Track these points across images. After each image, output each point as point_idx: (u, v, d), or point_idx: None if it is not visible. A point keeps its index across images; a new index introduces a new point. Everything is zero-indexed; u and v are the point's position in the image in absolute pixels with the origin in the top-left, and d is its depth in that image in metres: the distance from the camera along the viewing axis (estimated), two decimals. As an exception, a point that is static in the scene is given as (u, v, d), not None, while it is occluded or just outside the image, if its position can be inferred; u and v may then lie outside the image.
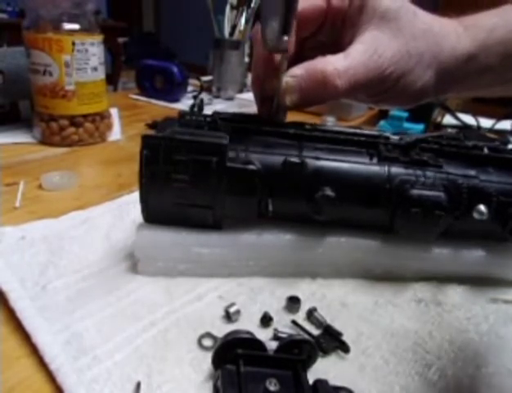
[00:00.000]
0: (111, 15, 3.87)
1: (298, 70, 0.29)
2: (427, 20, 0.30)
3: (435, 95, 0.32)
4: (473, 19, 0.30)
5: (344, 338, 0.28)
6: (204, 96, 0.88)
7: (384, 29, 0.29)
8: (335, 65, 0.28)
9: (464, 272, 0.35)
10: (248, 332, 0.24)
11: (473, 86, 0.32)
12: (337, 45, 0.31)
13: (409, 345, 0.29)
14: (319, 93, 0.29)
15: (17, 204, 0.42)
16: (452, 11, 0.31)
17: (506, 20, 0.29)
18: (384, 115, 0.76)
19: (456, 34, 0.30)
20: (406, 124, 0.71)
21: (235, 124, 0.33)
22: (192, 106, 0.34)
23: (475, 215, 0.32)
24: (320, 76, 0.28)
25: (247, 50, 0.97)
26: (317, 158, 0.32)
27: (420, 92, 0.30)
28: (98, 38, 0.57)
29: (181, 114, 0.33)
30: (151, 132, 0.30)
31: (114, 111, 0.70)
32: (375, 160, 0.33)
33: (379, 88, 0.30)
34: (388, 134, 0.35)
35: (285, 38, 0.28)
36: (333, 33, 0.33)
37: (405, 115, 0.71)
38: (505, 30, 0.29)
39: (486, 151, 0.35)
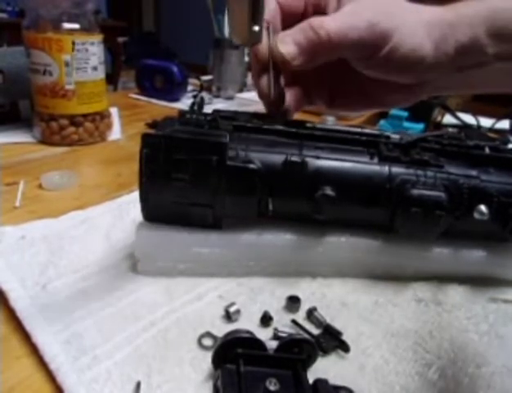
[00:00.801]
0: (111, 14, 3.87)
1: (288, 30, 0.29)
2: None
3: (431, 63, 0.30)
4: (455, 3, 0.30)
5: (344, 338, 0.28)
6: (204, 95, 0.88)
7: (365, 1, 0.29)
8: (322, 19, 0.29)
9: (464, 272, 0.35)
10: (248, 332, 0.24)
11: (463, 63, 0.31)
12: None
13: (409, 344, 0.29)
14: (313, 41, 0.29)
15: (17, 203, 0.42)
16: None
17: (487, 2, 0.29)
18: (384, 114, 0.76)
19: (437, 7, 0.30)
20: (406, 124, 0.71)
21: (235, 122, 0.33)
22: (192, 105, 0.34)
23: (476, 215, 0.32)
24: (307, 26, 0.28)
25: (247, 49, 0.97)
26: (318, 157, 0.32)
27: (414, 52, 0.29)
28: (98, 38, 0.57)
29: (182, 113, 0.33)
30: (151, 131, 0.30)
31: (114, 111, 0.70)
32: (375, 160, 0.33)
33: (371, 45, 0.29)
34: (388, 133, 0.35)
35: (256, 28, 0.27)
36: None
37: (405, 114, 0.71)
38: (486, 10, 0.29)
39: (487, 150, 0.35)
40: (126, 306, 0.29)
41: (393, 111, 0.72)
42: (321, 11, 0.32)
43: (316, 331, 0.29)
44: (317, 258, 0.33)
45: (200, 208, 0.31)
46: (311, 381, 0.23)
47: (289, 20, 0.32)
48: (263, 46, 0.31)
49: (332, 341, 0.27)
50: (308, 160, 0.31)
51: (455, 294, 0.34)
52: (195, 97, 0.85)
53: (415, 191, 0.31)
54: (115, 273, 0.32)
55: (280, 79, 0.32)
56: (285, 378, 0.23)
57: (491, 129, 0.76)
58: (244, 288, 0.32)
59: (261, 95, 0.33)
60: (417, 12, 0.29)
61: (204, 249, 0.32)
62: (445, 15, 0.29)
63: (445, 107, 0.78)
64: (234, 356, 0.23)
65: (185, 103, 0.84)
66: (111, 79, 2.69)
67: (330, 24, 0.28)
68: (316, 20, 0.29)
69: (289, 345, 0.24)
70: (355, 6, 0.29)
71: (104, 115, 0.62)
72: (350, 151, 0.33)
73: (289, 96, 0.33)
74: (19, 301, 0.28)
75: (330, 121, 0.74)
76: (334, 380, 0.24)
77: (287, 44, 0.29)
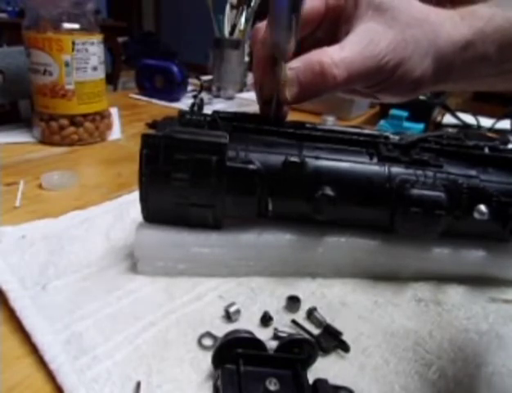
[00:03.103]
0: (111, 14, 3.86)
1: (295, 63, 0.29)
2: (422, 9, 0.30)
3: (433, 85, 0.31)
4: (470, 8, 0.30)
5: (344, 338, 0.28)
6: (204, 95, 0.88)
7: (379, 20, 0.29)
8: (332, 56, 0.28)
9: (464, 272, 0.35)
10: (248, 332, 0.24)
11: (470, 76, 0.31)
12: (334, 41, 0.31)
13: (409, 344, 0.29)
14: (318, 84, 0.29)
15: (17, 203, 0.42)
16: (452, 4, 0.31)
17: (505, 9, 0.29)
18: (384, 114, 0.76)
19: (453, 22, 0.29)
20: (406, 124, 0.71)
21: (235, 123, 0.33)
22: (192, 106, 0.34)
23: (476, 215, 0.32)
24: (317, 67, 0.28)
25: (247, 49, 0.97)
26: (317, 157, 0.32)
27: (419, 81, 0.30)
28: (98, 38, 0.57)
29: (181, 113, 0.33)
30: (151, 131, 0.30)
31: (114, 111, 0.70)
32: (374, 160, 0.33)
33: (377, 77, 0.30)
34: (387, 134, 0.35)
35: (292, 43, 0.29)
36: (330, 29, 0.33)
37: (405, 114, 0.71)
38: (502, 19, 0.29)
39: (486, 150, 0.35)
40: (126, 306, 0.29)
41: (393, 111, 0.72)
42: (340, 11, 0.32)
43: (316, 331, 0.29)
44: (317, 258, 0.33)
45: (200, 208, 0.31)
46: (311, 381, 0.23)
47: (310, 24, 0.32)
48: (269, 82, 0.31)
49: (332, 341, 0.27)
50: (308, 160, 0.31)
51: (455, 294, 0.34)
52: (195, 97, 0.85)
53: (415, 191, 0.31)
54: (115, 273, 0.32)
55: (283, 106, 0.33)
56: (285, 378, 0.23)
57: (491, 129, 0.76)
58: (244, 288, 0.32)
59: (262, 114, 0.34)
60: (433, 32, 0.29)
61: (204, 249, 0.32)
62: (461, 32, 0.29)
63: (445, 107, 0.78)
64: (234, 356, 0.23)
65: (185, 103, 0.84)
66: (111, 79, 2.69)
67: (338, 64, 0.28)
68: (324, 58, 0.28)
69: (289, 345, 0.25)
70: (369, 33, 0.29)
71: (104, 115, 0.62)
72: (349, 151, 0.33)
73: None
74: (19, 301, 0.28)
75: (330, 121, 0.74)
76: (334, 380, 0.24)
77: (292, 86, 0.29)
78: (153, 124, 0.66)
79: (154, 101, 0.85)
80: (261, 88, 0.33)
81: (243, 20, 0.93)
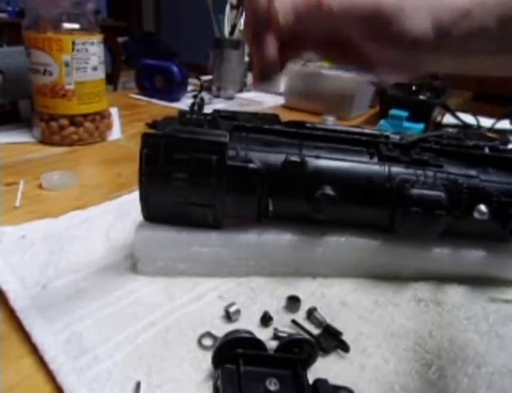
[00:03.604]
0: (111, 14, 3.86)
1: None
2: None
3: (431, 52, 0.31)
4: None
5: (344, 338, 0.28)
6: (204, 95, 0.88)
7: None
8: None
9: (464, 272, 0.35)
10: (248, 332, 0.24)
11: (468, 49, 0.31)
12: None
13: (409, 344, 0.29)
14: (314, 14, 0.29)
15: (17, 203, 0.42)
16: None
17: None
18: (384, 114, 0.76)
19: None
20: (406, 124, 0.71)
21: (235, 122, 0.33)
22: (192, 105, 0.34)
23: (476, 215, 0.32)
24: None
25: (247, 49, 0.97)
26: (317, 157, 0.32)
27: (418, 41, 0.30)
28: (98, 38, 0.57)
29: (182, 113, 0.33)
30: (151, 131, 0.30)
31: (114, 111, 0.70)
32: (375, 159, 0.33)
33: (373, 22, 0.29)
34: (388, 133, 0.35)
35: None
36: None
37: (405, 114, 0.71)
38: None
39: (486, 150, 0.35)
40: (126, 306, 0.29)
41: (393, 111, 0.72)
42: None
43: (316, 331, 0.29)
44: (317, 258, 0.33)
45: (200, 208, 0.31)
46: (311, 381, 0.23)
47: None
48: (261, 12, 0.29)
49: (332, 341, 0.27)
50: (308, 159, 0.31)
51: (455, 294, 0.34)
52: (195, 97, 0.85)
53: (415, 191, 0.31)
54: (115, 273, 0.32)
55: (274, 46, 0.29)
56: (285, 378, 0.23)
57: (491, 129, 0.76)
58: (244, 288, 0.32)
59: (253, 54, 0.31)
60: None
61: (204, 249, 0.32)
62: (460, 1, 0.29)
63: (445, 107, 0.78)
64: (234, 356, 0.23)
65: (185, 103, 0.84)
66: (111, 79, 2.69)
67: None
68: None
69: (289, 345, 0.24)
70: None
71: (104, 115, 0.62)
72: (350, 150, 0.33)
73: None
74: (19, 301, 0.28)
75: (330, 121, 0.74)
76: (334, 380, 0.24)
77: (287, 13, 0.28)
78: (153, 124, 0.66)
79: (154, 101, 0.85)
80: (252, 25, 0.31)
81: (243, 20, 0.93)
